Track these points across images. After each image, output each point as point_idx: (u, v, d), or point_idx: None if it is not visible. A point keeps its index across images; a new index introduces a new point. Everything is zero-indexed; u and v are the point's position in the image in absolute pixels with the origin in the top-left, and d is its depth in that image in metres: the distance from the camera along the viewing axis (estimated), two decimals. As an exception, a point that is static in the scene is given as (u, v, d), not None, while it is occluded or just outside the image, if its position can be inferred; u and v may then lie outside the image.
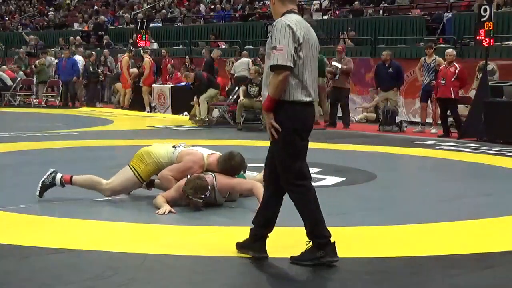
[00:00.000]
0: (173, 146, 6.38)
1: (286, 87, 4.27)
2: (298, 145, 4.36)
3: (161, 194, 6.07)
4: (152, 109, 18.36)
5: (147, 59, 18.18)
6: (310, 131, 4.46)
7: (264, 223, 4.53)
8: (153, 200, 6.05)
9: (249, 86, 14.28)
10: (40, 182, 6.30)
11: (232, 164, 6.11)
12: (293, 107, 4.31)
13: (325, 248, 4.36)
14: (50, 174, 6.36)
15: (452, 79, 12.81)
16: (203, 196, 5.86)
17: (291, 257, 4.47)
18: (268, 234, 4.55)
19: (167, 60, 19.57)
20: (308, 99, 4.35)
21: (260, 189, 5.72)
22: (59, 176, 6.32)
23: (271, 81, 4.26)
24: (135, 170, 6.24)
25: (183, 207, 5.96)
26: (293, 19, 4.34)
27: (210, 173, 6.13)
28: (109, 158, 9.22)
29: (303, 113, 4.35)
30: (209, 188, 5.92)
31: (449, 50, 13.26)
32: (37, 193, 6.24)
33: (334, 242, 4.39)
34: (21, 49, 23.97)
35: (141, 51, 18.78)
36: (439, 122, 13.90)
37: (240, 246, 4.62)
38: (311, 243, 4.41)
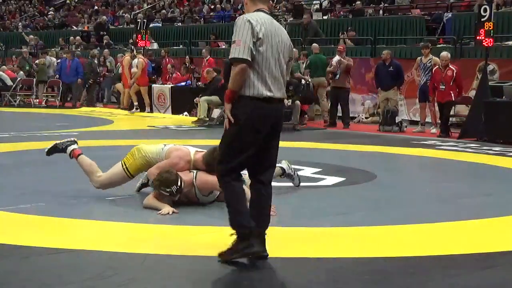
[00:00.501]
0: (164, 145, 6.49)
1: (246, 82, 4.31)
2: (246, 141, 4.35)
3: (152, 194, 6.07)
4: (152, 109, 18.35)
5: (140, 59, 18.13)
6: (273, 128, 4.44)
7: (259, 221, 4.47)
8: (144, 201, 6.05)
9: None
10: (54, 142, 6.64)
11: (214, 157, 6.08)
12: (250, 102, 4.32)
13: (248, 239, 4.33)
14: (68, 141, 6.73)
15: (451, 83, 12.90)
16: (168, 189, 5.86)
17: (218, 254, 4.40)
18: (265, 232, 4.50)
19: (167, 60, 19.58)
20: (267, 94, 4.35)
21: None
22: (71, 147, 6.65)
23: (231, 74, 4.33)
24: (124, 164, 6.40)
25: (184, 207, 5.96)
26: (256, 16, 4.47)
27: (193, 171, 6.16)
28: (109, 158, 9.19)
29: (261, 108, 4.34)
30: (178, 184, 5.88)
31: (444, 54, 13.23)
32: (46, 150, 6.63)
33: (262, 234, 4.39)
34: (25, 49, 23.90)
35: (135, 51, 18.77)
36: (439, 121, 13.94)
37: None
38: (235, 237, 4.40)
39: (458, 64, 14.61)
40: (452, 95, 12.92)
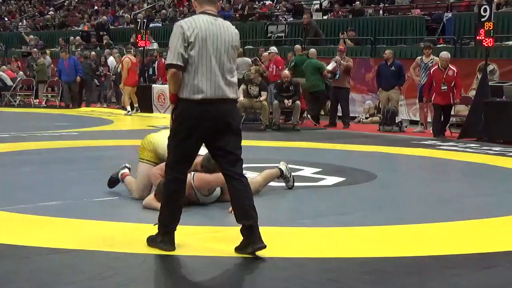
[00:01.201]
0: None
1: (181, 84, 4.52)
2: (181, 139, 4.58)
3: (152, 195, 6.06)
4: (135, 109, 18.21)
5: (127, 58, 18.10)
6: (217, 127, 4.58)
7: (242, 215, 4.57)
8: (144, 201, 6.04)
9: (249, 86, 14.28)
10: (110, 175, 6.74)
11: (211, 163, 6.08)
12: (182, 104, 4.55)
13: (163, 236, 4.62)
14: (121, 168, 6.75)
15: (452, 84, 12.75)
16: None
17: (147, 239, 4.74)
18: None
19: (164, 60, 19.61)
20: (198, 97, 4.49)
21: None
22: (122, 171, 6.69)
23: None
24: (142, 159, 6.39)
25: (183, 207, 5.95)
26: (192, 19, 4.64)
27: (191, 172, 6.12)
28: (109, 158, 9.22)
29: (191, 109, 4.52)
30: None
31: (444, 54, 13.02)
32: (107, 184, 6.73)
33: (173, 235, 4.64)
34: (35, 49, 23.85)
35: (124, 51, 18.73)
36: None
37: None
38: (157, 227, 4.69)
39: (458, 64, 14.63)
40: (451, 96, 12.85)
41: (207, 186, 6.18)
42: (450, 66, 12.84)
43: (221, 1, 25.54)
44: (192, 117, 4.52)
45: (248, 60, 16.99)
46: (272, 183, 7.40)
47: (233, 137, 4.72)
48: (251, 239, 4.50)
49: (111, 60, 20.74)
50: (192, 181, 6.09)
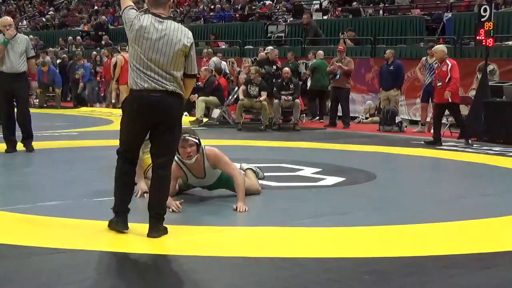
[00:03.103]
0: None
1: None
2: (124, 124, 5.12)
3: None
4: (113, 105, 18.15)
5: (120, 56, 18.07)
6: (153, 117, 4.93)
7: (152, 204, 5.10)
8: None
9: (249, 86, 14.28)
10: None
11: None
12: (129, 92, 5.04)
13: (115, 216, 5.05)
14: None
15: (447, 80, 11.55)
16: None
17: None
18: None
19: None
20: (137, 86, 4.93)
21: (239, 179, 6.10)
22: None
23: None
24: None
25: (183, 207, 5.95)
26: (138, 17, 5.14)
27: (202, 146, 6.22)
28: (109, 158, 9.19)
29: (134, 97, 4.97)
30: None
31: (435, 48, 12.24)
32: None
33: (124, 217, 5.02)
34: (51, 49, 23.80)
35: (119, 48, 18.69)
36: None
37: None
38: None
39: (458, 64, 14.62)
40: (451, 94, 11.73)
41: (216, 161, 6.20)
42: (447, 60, 11.78)
43: (221, 2, 25.55)
44: (132, 104, 5.02)
45: (217, 59, 17.30)
46: (271, 183, 7.41)
47: (167, 132, 5.00)
48: (150, 227, 4.98)
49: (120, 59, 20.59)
50: (204, 149, 6.18)
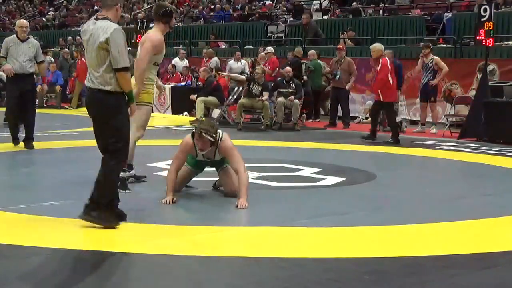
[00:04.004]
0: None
1: None
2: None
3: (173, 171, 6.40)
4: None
5: None
6: (88, 111, 5.57)
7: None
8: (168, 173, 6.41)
9: (252, 84, 14.27)
10: None
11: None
12: None
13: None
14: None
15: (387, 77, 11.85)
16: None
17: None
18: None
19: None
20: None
21: (244, 176, 6.18)
22: None
23: None
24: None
25: (183, 207, 5.96)
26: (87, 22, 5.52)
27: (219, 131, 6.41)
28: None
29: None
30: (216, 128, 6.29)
31: (375, 45, 12.41)
32: None
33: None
34: (66, 50, 23.76)
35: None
36: (439, 121, 13.95)
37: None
38: None
39: (458, 64, 14.67)
40: (381, 94, 11.98)
41: (227, 153, 6.36)
42: (381, 59, 12.07)
43: (221, 2, 25.55)
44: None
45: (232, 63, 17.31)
46: (271, 183, 7.41)
47: (100, 126, 5.46)
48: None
49: None
50: (220, 136, 6.33)
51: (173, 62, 19.12)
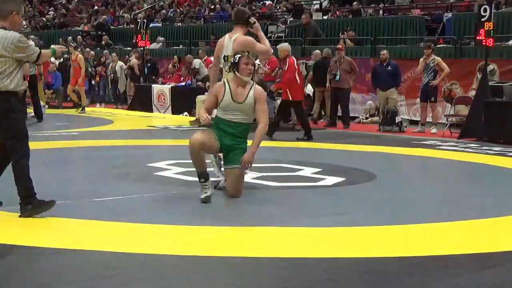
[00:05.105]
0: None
1: None
2: None
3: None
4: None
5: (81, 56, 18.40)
6: None
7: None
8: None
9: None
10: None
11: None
12: None
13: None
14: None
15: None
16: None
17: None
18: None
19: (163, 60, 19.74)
20: None
21: (262, 128, 6.53)
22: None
23: None
24: None
25: (183, 207, 5.95)
26: None
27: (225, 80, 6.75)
28: (109, 158, 9.22)
29: None
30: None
31: (282, 44, 12.82)
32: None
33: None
34: (87, 49, 23.80)
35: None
36: (439, 121, 13.95)
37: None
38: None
39: (458, 64, 14.67)
40: (289, 93, 12.20)
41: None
42: (287, 59, 12.34)
43: (221, 2, 25.55)
44: None
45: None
46: (271, 183, 7.41)
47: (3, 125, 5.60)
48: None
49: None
50: (228, 83, 6.63)
51: (196, 66, 18.75)
